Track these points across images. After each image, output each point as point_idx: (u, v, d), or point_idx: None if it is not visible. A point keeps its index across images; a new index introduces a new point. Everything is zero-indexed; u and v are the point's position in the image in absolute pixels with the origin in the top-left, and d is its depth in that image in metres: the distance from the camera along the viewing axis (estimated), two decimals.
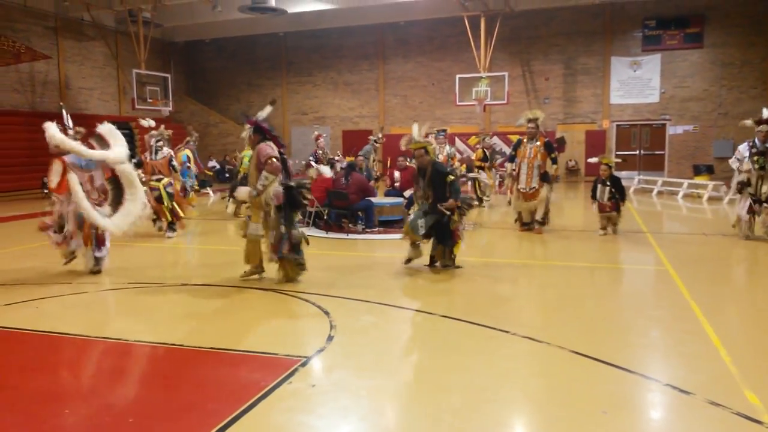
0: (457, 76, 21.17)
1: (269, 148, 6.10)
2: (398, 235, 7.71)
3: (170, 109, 21.34)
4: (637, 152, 21.68)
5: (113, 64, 22.61)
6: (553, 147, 9.45)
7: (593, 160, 9.68)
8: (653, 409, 3.39)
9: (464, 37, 20.59)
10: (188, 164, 13.80)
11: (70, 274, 6.89)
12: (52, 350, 4.48)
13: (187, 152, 13.96)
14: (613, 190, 9.03)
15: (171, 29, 24.09)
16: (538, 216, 9.35)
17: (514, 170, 9.51)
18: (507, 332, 4.53)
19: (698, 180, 16.81)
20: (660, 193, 15.81)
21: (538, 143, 9.23)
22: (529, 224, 9.44)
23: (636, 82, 21.35)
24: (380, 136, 15.73)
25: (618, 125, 21.79)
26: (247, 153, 11.73)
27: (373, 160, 14.26)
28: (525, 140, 9.37)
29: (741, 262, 7.43)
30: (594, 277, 6.72)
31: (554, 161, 9.40)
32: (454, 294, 5.93)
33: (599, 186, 9.15)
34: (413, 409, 3.37)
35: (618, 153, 21.53)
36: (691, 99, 20.84)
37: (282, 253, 6.09)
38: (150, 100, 20.82)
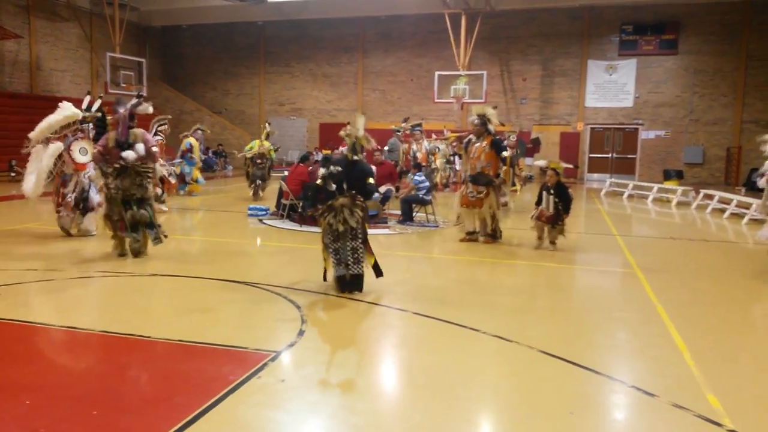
0: (437, 73, 21.25)
1: (101, 137, 7.14)
2: (373, 231, 7.71)
3: (144, 94, 20.95)
4: (610, 155, 22.03)
5: (87, 47, 22.14)
6: (501, 146, 8.30)
7: (541, 163, 8.60)
8: (618, 410, 3.45)
9: (445, 35, 20.65)
10: (191, 154, 13.73)
11: (37, 260, 6.74)
12: (14, 339, 4.37)
13: (192, 140, 13.84)
14: (557, 200, 7.83)
15: (148, 13, 23.67)
16: (488, 228, 8.32)
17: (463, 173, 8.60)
18: (477, 330, 4.55)
19: (668, 185, 17.13)
20: (630, 196, 16.07)
21: (485, 143, 8.15)
22: (473, 233, 8.42)
23: (611, 86, 21.67)
24: (403, 126, 15.10)
25: (592, 128, 22.10)
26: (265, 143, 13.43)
27: (403, 153, 14.16)
28: (473, 139, 8.35)
29: (707, 267, 7.59)
30: (563, 278, 6.80)
31: (504, 161, 8.28)
32: (425, 290, 5.94)
33: (544, 193, 7.98)
34: (382, 406, 3.37)
35: (591, 155, 21.89)
36: (663, 104, 21.23)
37: (120, 232, 6.92)
38: (123, 85, 20.45)
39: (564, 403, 3.36)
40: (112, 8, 20.08)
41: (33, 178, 8.03)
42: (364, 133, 5.95)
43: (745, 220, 11.20)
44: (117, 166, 6.80)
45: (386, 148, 14.43)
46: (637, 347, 4.45)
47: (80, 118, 8.23)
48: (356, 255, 5.50)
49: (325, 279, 5.70)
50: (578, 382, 3.69)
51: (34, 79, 20.22)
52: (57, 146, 8.04)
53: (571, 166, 8.50)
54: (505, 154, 8.35)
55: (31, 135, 8.09)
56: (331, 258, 5.51)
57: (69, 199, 8.00)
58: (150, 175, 7.09)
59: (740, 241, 9.76)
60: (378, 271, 5.64)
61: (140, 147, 6.81)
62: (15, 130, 18.92)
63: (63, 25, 21.32)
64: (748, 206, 11.62)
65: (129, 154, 6.76)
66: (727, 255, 8.36)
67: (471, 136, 8.40)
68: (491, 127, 8.26)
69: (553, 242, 8.00)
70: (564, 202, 7.83)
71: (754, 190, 17.12)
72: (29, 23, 19.99)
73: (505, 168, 8.31)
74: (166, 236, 7.13)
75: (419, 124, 14.78)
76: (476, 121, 8.26)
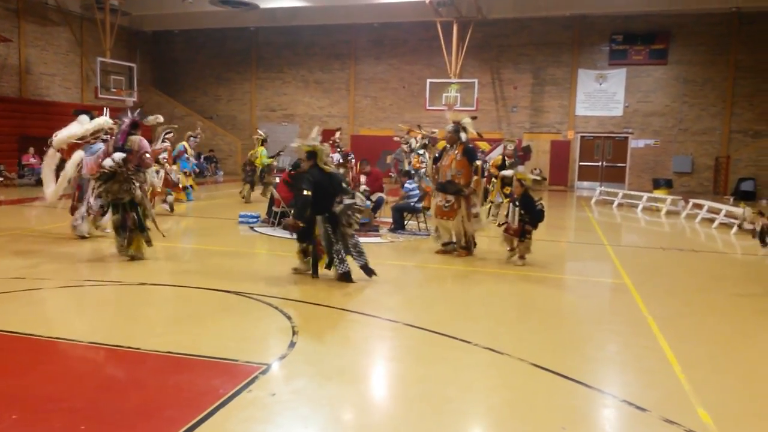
0: (428, 80, 21.30)
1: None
2: (365, 239, 7.71)
3: (134, 99, 20.89)
4: (600, 164, 22.16)
5: (77, 51, 22.01)
6: (474, 155, 8.14)
7: (508, 173, 8.22)
8: (610, 425, 3.44)
9: (437, 42, 20.72)
10: (186, 155, 13.95)
11: (25, 268, 6.67)
12: (0, 351, 4.31)
13: (184, 143, 14.05)
14: (522, 212, 7.53)
15: (139, 18, 23.58)
16: (461, 241, 8.13)
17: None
18: (468, 342, 4.55)
19: (657, 194, 17.25)
20: (620, 205, 16.16)
21: (456, 151, 7.97)
22: (449, 244, 8.24)
23: (601, 94, 21.82)
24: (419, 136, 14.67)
25: (582, 136, 22.23)
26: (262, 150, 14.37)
27: (409, 163, 14.17)
28: (448, 147, 8.17)
29: (697, 277, 7.63)
30: (553, 289, 6.81)
31: (476, 171, 8.05)
32: (416, 301, 5.93)
33: (510, 205, 7.82)
34: (374, 419, 3.35)
35: (581, 164, 22.01)
36: (653, 114, 21.39)
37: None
38: (114, 90, 20.36)
39: (556, 418, 3.36)
40: (103, 13, 20.00)
41: (52, 185, 8.42)
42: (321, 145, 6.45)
43: (734, 229, 11.28)
44: (105, 171, 7.08)
45: (393, 155, 14.54)
46: (627, 359, 4.46)
47: (108, 128, 8.43)
48: (358, 248, 6.47)
49: (294, 271, 6.68)
50: (570, 396, 3.69)
51: (23, 83, 20.07)
52: (79, 154, 8.26)
53: (540, 178, 8.43)
54: (477, 163, 8.18)
55: (55, 143, 8.38)
56: (337, 258, 6.32)
57: (92, 204, 8.43)
58: (139, 180, 7.35)
59: (729, 251, 9.83)
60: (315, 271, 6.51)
61: (117, 155, 7.06)
62: (3, 134, 18.83)
63: (53, 29, 21.19)
64: (736, 216, 11.70)
65: (106, 161, 7.07)
66: (716, 265, 8.41)
67: (446, 144, 8.28)
68: (463, 136, 8.06)
69: (521, 257, 7.64)
70: (530, 215, 7.52)
71: (742, 199, 17.27)
72: (19, 27, 19.85)
73: (476, 178, 8.09)
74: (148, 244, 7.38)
75: (433, 132, 14.73)
76: (450, 128, 8.10)
